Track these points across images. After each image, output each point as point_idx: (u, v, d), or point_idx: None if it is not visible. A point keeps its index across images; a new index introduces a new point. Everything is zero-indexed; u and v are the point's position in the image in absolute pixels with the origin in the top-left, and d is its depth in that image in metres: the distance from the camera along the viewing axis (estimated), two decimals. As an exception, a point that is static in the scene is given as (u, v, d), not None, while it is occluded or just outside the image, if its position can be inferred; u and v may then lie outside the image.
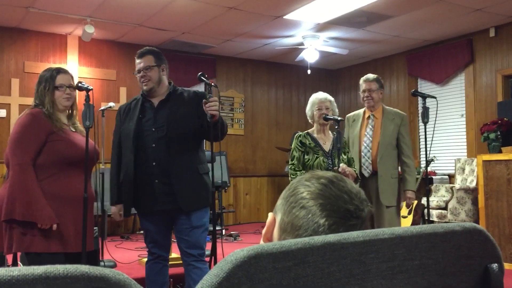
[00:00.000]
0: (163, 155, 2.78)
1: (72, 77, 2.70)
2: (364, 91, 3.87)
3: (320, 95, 3.58)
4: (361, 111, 4.00)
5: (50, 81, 2.61)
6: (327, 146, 3.51)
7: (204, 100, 2.70)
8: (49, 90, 2.59)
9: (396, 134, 3.79)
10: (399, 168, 3.86)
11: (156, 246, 2.90)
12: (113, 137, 3.00)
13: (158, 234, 2.88)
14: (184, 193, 2.76)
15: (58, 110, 2.63)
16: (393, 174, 3.75)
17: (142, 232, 6.64)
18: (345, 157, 3.52)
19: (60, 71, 2.66)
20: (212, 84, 2.74)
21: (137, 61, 2.87)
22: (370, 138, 3.81)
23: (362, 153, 3.81)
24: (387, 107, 3.97)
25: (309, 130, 3.59)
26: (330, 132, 3.60)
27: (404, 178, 3.75)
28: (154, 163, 2.78)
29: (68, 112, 2.70)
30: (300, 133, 3.55)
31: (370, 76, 3.91)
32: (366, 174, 3.78)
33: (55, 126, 2.53)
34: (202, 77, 2.80)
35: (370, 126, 3.85)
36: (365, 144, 3.81)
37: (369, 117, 3.89)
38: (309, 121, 3.63)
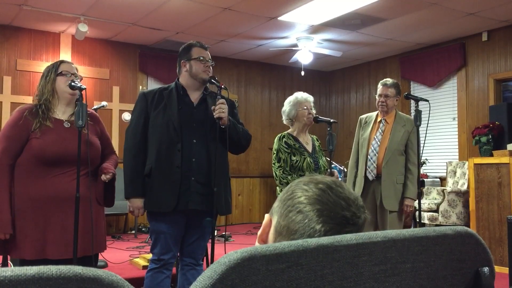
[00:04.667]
0: (203, 153, 2.72)
1: (76, 68, 2.66)
2: (380, 95, 3.82)
3: (304, 94, 3.51)
4: (374, 114, 3.97)
5: (53, 70, 2.58)
6: (309, 147, 3.48)
7: (213, 107, 2.71)
8: (51, 78, 2.55)
9: (406, 140, 3.76)
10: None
11: (166, 252, 2.71)
12: (132, 122, 2.78)
13: (172, 236, 2.72)
14: (220, 196, 2.72)
15: (61, 99, 2.57)
16: (399, 180, 3.71)
17: (133, 232, 6.66)
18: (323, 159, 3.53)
19: (64, 61, 2.67)
20: (222, 86, 2.74)
21: (202, 50, 2.82)
22: (378, 142, 3.79)
23: (369, 156, 3.79)
24: (400, 112, 3.94)
25: (289, 131, 3.51)
26: (309, 135, 3.58)
27: (406, 184, 3.71)
28: (193, 159, 2.70)
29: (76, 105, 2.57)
30: (283, 133, 3.47)
31: (389, 81, 3.84)
32: (370, 178, 3.77)
33: (36, 123, 2.46)
34: (212, 80, 2.79)
35: (380, 131, 3.82)
36: (372, 148, 3.79)
37: (380, 121, 3.87)
38: (285, 121, 3.54)
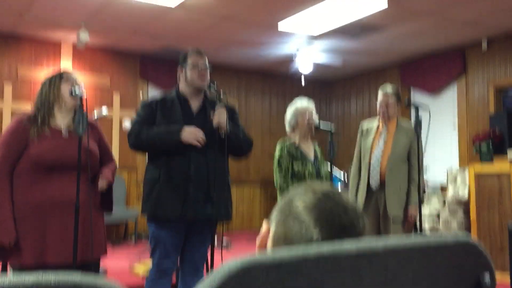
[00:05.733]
0: (202, 162, 2.72)
1: (77, 78, 2.68)
2: (381, 105, 3.80)
3: (304, 103, 3.52)
4: (375, 121, 3.94)
5: (57, 77, 2.59)
6: (311, 155, 3.48)
7: (212, 111, 2.71)
8: (57, 84, 2.56)
9: (408, 147, 3.73)
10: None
11: (166, 259, 2.71)
12: (138, 118, 2.77)
13: (172, 243, 2.71)
14: (220, 204, 2.72)
15: (63, 106, 2.57)
16: (403, 188, 3.69)
17: (133, 239, 6.64)
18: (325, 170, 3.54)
19: (65, 70, 2.69)
20: (221, 92, 2.75)
21: (197, 57, 2.83)
22: (381, 151, 3.76)
23: (371, 165, 3.76)
24: (402, 119, 3.92)
25: (291, 139, 3.52)
26: (311, 142, 3.58)
27: (410, 192, 3.69)
28: (192, 168, 2.71)
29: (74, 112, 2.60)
30: (286, 142, 3.47)
31: (389, 89, 3.81)
32: (374, 186, 3.75)
33: (34, 131, 2.46)
34: (211, 86, 2.80)
35: (383, 139, 3.80)
36: (375, 157, 3.78)
37: (382, 129, 3.84)
38: (288, 129, 3.54)
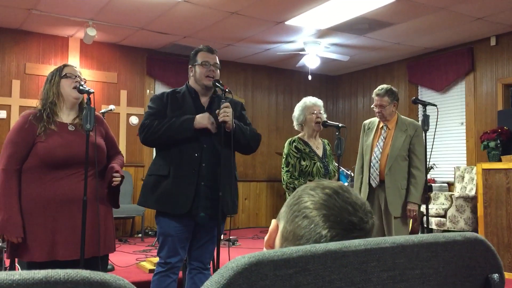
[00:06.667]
0: (212, 158, 2.72)
1: (80, 72, 2.67)
2: (376, 106, 3.79)
3: (312, 99, 3.53)
4: (377, 119, 3.93)
5: (57, 73, 2.59)
6: (320, 152, 3.48)
7: (217, 110, 2.71)
8: (56, 81, 2.56)
9: (408, 145, 3.72)
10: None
11: (173, 255, 2.71)
12: (152, 110, 2.76)
13: (180, 240, 2.71)
14: (226, 198, 2.72)
15: (66, 102, 2.58)
16: (403, 185, 3.70)
17: (140, 235, 6.67)
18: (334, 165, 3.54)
19: (67, 64, 2.68)
20: (227, 89, 2.73)
21: (208, 54, 2.81)
22: (380, 149, 3.77)
23: (371, 164, 3.77)
24: (402, 116, 3.89)
25: (300, 135, 3.52)
26: (319, 138, 3.58)
27: (409, 189, 3.69)
28: (203, 164, 2.70)
29: (78, 109, 2.62)
30: (294, 138, 3.49)
31: (382, 90, 3.77)
32: (374, 185, 3.75)
33: (40, 128, 2.46)
34: (216, 84, 2.77)
35: (382, 137, 3.80)
36: (374, 155, 3.78)
37: (382, 127, 3.84)
38: (296, 126, 3.56)
